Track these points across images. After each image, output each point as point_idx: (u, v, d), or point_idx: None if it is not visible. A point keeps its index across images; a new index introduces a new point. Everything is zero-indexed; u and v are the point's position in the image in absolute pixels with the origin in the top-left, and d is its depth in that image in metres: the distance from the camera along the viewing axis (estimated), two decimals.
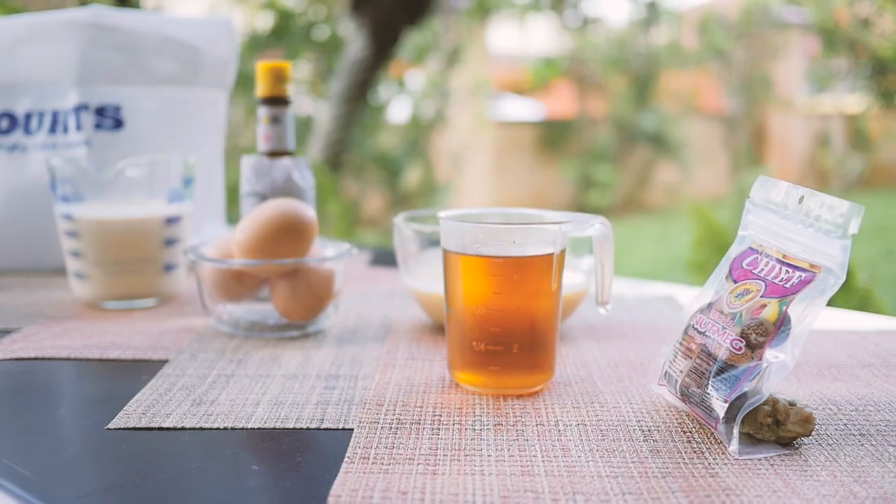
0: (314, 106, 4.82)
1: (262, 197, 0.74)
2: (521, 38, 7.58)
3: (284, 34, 4.70)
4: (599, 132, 6.90)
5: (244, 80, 2.88)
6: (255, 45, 4.62)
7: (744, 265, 0.51)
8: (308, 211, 0.67)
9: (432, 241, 0.71)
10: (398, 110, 5.40)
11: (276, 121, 0.75)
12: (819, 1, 6.36)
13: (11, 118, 0.92)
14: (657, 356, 0.63)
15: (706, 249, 1.86)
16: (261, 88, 0.75)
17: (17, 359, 0.62)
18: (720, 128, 7.43)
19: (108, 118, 0.90)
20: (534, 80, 7.22)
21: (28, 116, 0.91)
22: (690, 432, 0.48)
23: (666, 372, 0.52)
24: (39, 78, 0.91)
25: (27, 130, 0.91)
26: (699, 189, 6.90)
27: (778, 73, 7.38)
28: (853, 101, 7.29)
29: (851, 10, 6.29)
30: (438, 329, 0.70)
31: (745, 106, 7.27)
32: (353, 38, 3.75)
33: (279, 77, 0.75)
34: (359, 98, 3.71)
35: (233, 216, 1.39)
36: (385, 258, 1.07)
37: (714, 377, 0.47)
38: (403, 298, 0.82)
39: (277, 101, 0.75)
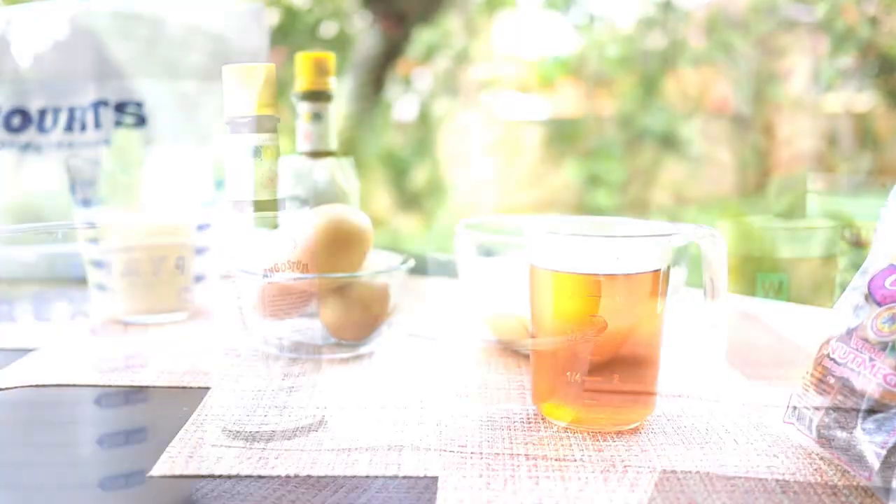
0: None
1: (303, 201, 0.67)
2: (528, 36, 7.50)
3: (290, 31, 4.62)
4: (606, 131, 6.83)
5: None
6: None
7: (886, 285, 0.43)
8: (363, 218, 0.60)
9: (496, 251, 0.64)
10: (406, 108, 5.32)
11: (317, 117, 0.68)
12: None
13: (24, 115, 0.84)
14: (756, 383, 0.56)
15: (737, 255, 1.78)
16: (301, 82, 0.68)
17: (35, 385, 0.55)
18: (727, 126, 7.36)
19: (130, 115, 0.83)
20: (540, 78, 7.14)
21: (42, 113, 0.84)
22: (834, 483, 0.41)
23: (794, 408, 0.45)
24: (54, 72, 0.84)
25: (41, 128, 0.84)
26: (706, 188, 6.83)
27: (785, 72, 7.31)
28: (861, 99, 7.23)
29: (859, 9, 6.23)
30: (505, 350, 0.63)
31: (752, 104, 7.21)
32: (365, 36, 3.67)
33: (321, 69, 0.68)
34: (370, 96, 3.63)
35: None
36: (419, 265, 1.00)
37: (863, 419, 0.40)
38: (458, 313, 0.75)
39: (319, 95, 0.68)
